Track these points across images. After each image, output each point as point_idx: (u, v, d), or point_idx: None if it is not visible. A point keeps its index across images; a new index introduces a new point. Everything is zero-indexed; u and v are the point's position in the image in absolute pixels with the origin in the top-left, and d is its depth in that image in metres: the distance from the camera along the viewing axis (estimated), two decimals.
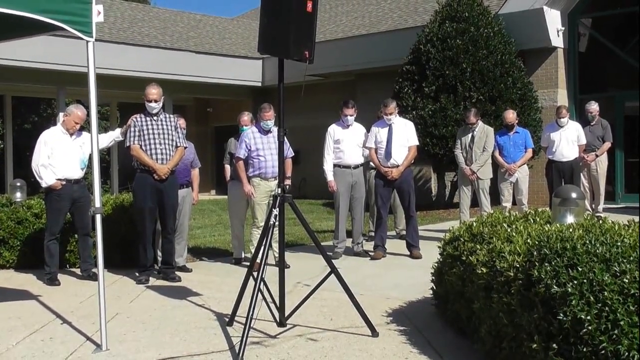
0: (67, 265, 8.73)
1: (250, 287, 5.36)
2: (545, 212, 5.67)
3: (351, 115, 9.34)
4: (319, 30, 5.81)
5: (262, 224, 7.76)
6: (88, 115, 6.15)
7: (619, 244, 3.96)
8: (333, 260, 6.10)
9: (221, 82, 21.86)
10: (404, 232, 10.11)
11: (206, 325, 5.78)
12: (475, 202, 10.58)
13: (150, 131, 7.78)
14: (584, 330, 3.61)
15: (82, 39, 5.14)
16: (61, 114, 8.59)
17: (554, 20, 16.17)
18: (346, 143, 9.33)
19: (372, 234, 10.14)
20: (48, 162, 7.82)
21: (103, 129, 22.24)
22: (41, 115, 28.37)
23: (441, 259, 5.76)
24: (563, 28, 16.33)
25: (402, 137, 9.20)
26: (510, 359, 4.21)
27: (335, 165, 9.36)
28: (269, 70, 22.10)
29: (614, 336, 3.55)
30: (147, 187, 7.78)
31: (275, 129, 8.27)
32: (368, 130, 9.47)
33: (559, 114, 11.36)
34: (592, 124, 12.05)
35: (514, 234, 4.74)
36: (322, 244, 6.03)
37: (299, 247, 10.31)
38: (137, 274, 8.00)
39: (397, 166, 9.12)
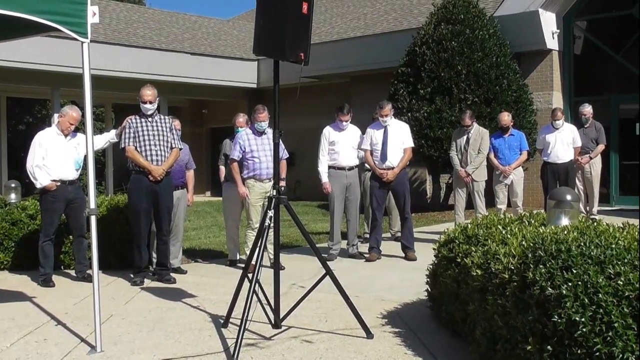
0: (62, 267, 8.71)
1: (245, 288, 5.35)
2: (540, 214, 5.67)
3: (346, 121, 9.34)
4: (314, 32, 5.81)
5: (257, 225, 7.76)
6: (83, 116, 6.15)
7: (613, 246, 3.96)
8: (328, 262, 6.10)
9: (216, 83, 21.87)
10: (399, 234, 10.12)
11: (201, 327, 5.77)
12: (470, 204, 10.59)
13: (145, 132, 7.77)
14: (579, 332, 3.61)
15: (77, 39, 5.13)
16: (56, 115, 8.57)
17: (549, 23, 16.21)
18: (341, 145, 9.33)
19: (367, 235, 10.14)
20: (43, 163, 7.79)
21: (98, 130, 22.20)
22: (36, 116, 28.35)
23: (436, 261, 5.76)
24: (558, 30, 16.36)
25: (397, 139, 9.21)
26: None
27: (330, 167, 9.36)
28: (264, 71, 22.12)
29: (609, 338, 3.55)
30: (142, 188, 7.76)
31: (269, 131, 8.27)
32: (363, 132, 9.47)
33: (554, 117, 11.38)
34: (585, 126, 12.07)
35: (508, 236, 4.74)
36: (317, 245, 6.02)
37: (294, 249, 10.31)
38: (131, 276, 7.98)
39: (393, 168, 9.12)
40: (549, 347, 3.75)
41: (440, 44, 15.17)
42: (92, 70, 5.23)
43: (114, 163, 22.72)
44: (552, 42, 16.31)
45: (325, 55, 18.57)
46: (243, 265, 6.68)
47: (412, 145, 9.45)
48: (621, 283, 3.66)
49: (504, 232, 4.92)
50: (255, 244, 5.61)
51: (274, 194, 5.54)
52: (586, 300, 3.65)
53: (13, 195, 9.43)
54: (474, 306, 4.62)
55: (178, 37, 23.17)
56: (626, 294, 3.62)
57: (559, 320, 3.70)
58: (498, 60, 15.04)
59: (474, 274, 4.60)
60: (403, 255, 9.26)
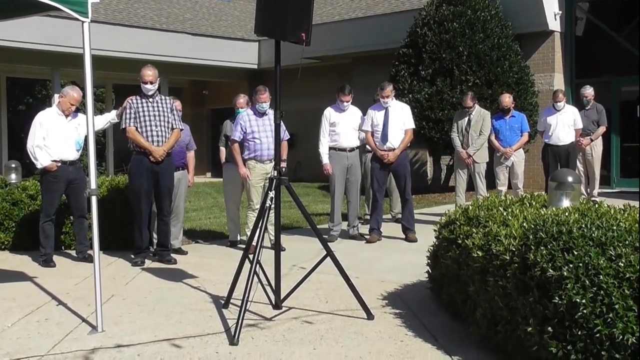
0: (63, 247, 8.72)
1: (245, 269, 5.36)
2: (541, 196, 5.67)
3: (347, 102, 9.32)
4: (315, 12, 5.76)
5: (258, 206, 7.77)
6: (84, 96, 6.13)
7: (614, 227, 3.96)
8: (328, 243, 6.10)
9: (217, 64, 21.80)
10: (399, 216, 10.12)
11: (202, 308, 5.79)
12: (471, 186, 10.58)
13: (146, 113, 7.75)
14: (579, 313, 3.62)
15: (77, 19, 5.10)
16: (56, 96, 8.55)
17: (551, 4, 16.12)
18: (342, 126, 9.31)
19: (368, 217, 10.15)
20: (43, 144, 7.79)
21: (98, 110, 22.16)
22: (36, 97, 28.30)
23: (437, 243, 5.77)
24: (560, 12, 16.28)
25: (398, 120, 9.19)
26: (505, 342, 4.23)
27: (330, 148, 9.34)
28: (265, 52, 22.04)
29: (609, 320, 3.56)
30: (143, 169, 7.76)
31: (270, 112, 8.26)
32: (364, 114, 9.45)
33: (556, 98, 11.35)
34: (587, 108, 12.03)
35: (510, 218, 4.75)
36: (318, 227, 6.02)
37: (294, 230, 10.32)
38: (132, 256, 7.99)
39: (394, 149, 9.11)
40: (549, 328, 3.76)
41: (441, 25, 15.10)
42: (93, 51, 5.20)
43: (115, 144, 22.69)
44: (554, 24, 16.22)
45: (326, 36, 18.48)
46: (244, 246, 6.69)
47: (413, 126, 9.43)
48: (622, 265, 3.67)
49: (505, 214, 4.92)
50: (256, 225, 5.62)
51: (275, 175, 5.53)
52: (587, 281, 3.66)
53: (13, 176, 9.43)
54: (475, 288, 4.63)
55: (179, 17, 23.07)
56: (627, 276, 3.63)
57: (560, 302, 3.70)
58: (500, 41, 14.98)
59: (475, 255, 4.60)
60: (404, 236, 9.26)
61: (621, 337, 3.52)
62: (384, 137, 9.13)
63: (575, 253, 3.78)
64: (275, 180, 5.49)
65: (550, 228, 4.06)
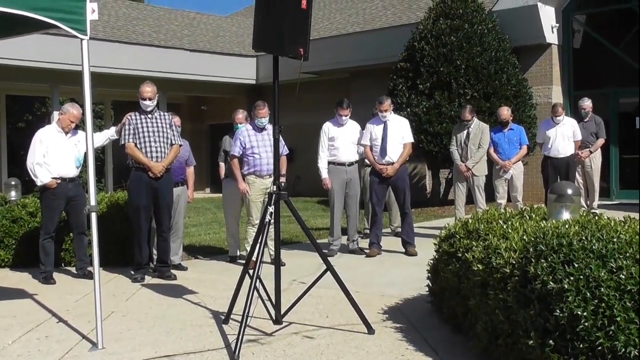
0: (63, 264, 8.71)
1: (245, 285, 5.35)
2: (540, 209, 5.67)
3: (346, 116, 9.33)
4: (312, 27, 5.81)
5: (257, 221, 7.75)
6: (83, 113, 6.14)
7: (615, 240, 3.96)
8: (328, 258, 6.10)
9: (215, 80, 21.85)
10: (399, 229, 10.10)
11: (202, 323, 5.77)
12: (470, 199, 10.58)
13: (145, 129, 7.76)
14: (581, 326, 3.62)
15: (76, 37, 5.12)
16: (56, 113, 8.56)
17: (548, 17, 16.19)
18: (340, 140, 9.32)
19: (367, 231, 10.14)
20: (43, 161, 7.80)
21: (98, 127, 22.18)
22: (35, 114, 28.33)
23: (437, 256, 5.76)
24: (557, 25, 16.34)
25: (397, 134, 9.20)
26: (506, 355, 4.21)
27: (329, 163, 9.34)
28: (263, 68, 22.10)
29: (611, 332, 3.55)
30: (142, 185, 7.76)
31: (269, 127, 8.26)
32: (363, 128, 9.46)
33: (555, 113, 11.34)
34: (585, 120, 12.05)
35: (509, 231, 4.74)
36: (317, 241, 6.02)
37: (294, 245, 10.30)
38: (132, 273, 7.98)
39: (392, 163, 9.11)
40: (550, 341, 3.75)
41: (439, 39, 15.15)
42: (91, 68, 5.22)
43: (114, 160, 22.71)
44: (551, 36, 16.28)
45: (324, 51, 18.52)
46: (243, 262, 6.68)
47: (412, 140, 9.44)
48: (623, 277, 3.66)
49: (504, 227, 4.91)
50: (256, 240, 5.61)
51: (274, 189, 5.53)
52: (588, 294, 3.65)
53: (13, 193, 9.43)
54: (475, 301, 4.62)
55: (177, 33, 23.14)
56: (628, 288, 3.62)
57: (561, 315, 3.70)
58: (497, 54, 15.02)
59: (475, 268, 4.60)
60: (403, 250, 9.25)
61: (623, 349, 3.51)
62: (383, 151, 9.14)
63: (576, 265, 3.78)
64: (274, 195, 5.49)
65: (551, 241, 4.05)
